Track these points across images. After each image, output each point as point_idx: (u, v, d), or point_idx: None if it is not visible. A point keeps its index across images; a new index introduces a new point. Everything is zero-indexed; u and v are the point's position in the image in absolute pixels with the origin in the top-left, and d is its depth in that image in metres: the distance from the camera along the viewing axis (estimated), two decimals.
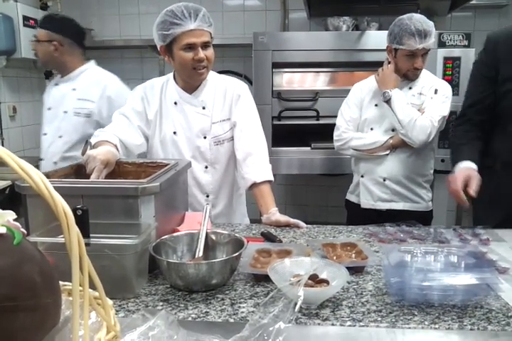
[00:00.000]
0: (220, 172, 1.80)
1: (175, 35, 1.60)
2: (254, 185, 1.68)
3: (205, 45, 1.63)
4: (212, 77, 1.79)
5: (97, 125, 2.20)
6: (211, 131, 1.75)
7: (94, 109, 2.25)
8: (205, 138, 1.75)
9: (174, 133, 1.76)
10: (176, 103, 1.76)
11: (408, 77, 2.04)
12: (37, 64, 3.30)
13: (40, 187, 0.58)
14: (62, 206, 0.58)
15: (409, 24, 1.91)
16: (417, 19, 1.93)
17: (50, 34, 2.25)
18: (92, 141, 1.60)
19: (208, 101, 1.76)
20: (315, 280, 1.02)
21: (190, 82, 1.74)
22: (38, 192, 0.58)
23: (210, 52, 1.66)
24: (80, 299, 0.63)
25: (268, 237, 1.46)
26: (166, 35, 1.62)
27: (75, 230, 0.58)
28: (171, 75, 1.81)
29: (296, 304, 0.66)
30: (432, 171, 2.17)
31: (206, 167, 1.78)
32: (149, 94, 1.79)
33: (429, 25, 1.93)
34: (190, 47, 1.61)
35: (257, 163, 1.71)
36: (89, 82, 2.31)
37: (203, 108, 1.75)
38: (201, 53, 1.62)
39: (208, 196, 1.80)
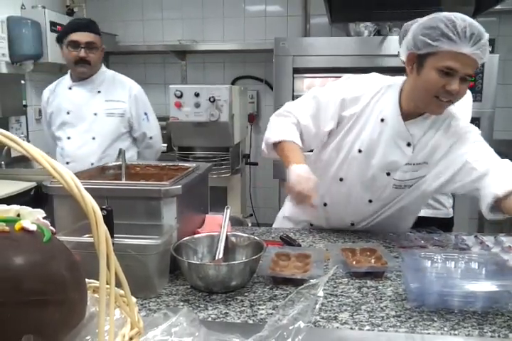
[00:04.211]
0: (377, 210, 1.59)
1: (439, 49, 1.27)
2: None
3: (461, 78, 1.28)
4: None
5: (127, 124, 2.38)
6: (404, 173, 1.48)
7: (127, 109, 2.36)
8: (388, 175, 1.48)
9: (359, 151, 1.49)
10: (382, 120, 1.45)
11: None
12: (63, 68, 3.38)
13: (71, 186, 0.61)
14: (92, 205, 0.61)
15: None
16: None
17: (99, 38, 2.31)
18: (274, 136, 1.49)
19: (416, 139, 1.45)
20: None
21: (424, 110, 1.42)
22: (68, 191, 0.61)
23: (464, 87, 1.31)
24: (105, 296, 0.65)
25: (287, 241, 1.47)
26: (428, 45, 1.28)
27: (104, 228, 0.60)
28: (398, 86, 1.47)
29: (316, 304, 0.67)
30: None
31: (370, 201, 1.55)
32: (362, 96, 1.49)
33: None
34: (448, 72, 1.27)
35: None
36: (113, 83, 2.38)
37: (408, 145, 1.45)
38: (456, 85, 1.28)
39: (352, 224, 1.62)
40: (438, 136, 1.44)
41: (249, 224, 2.19)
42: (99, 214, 0.61)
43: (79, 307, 0.72)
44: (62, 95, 2.38)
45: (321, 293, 0.70)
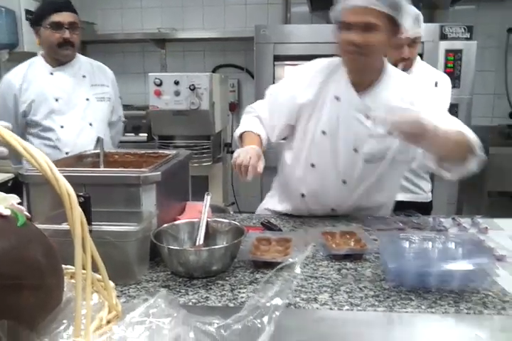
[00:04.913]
0: (355, 190, 1.59)
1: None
2: None
3: (364, 29, 1.36)
4: (396, 76, 1.54)
5: (112, 108, 2.33)
6: (367, 145, 1.50)
7: (111, 93, 2.33)
8: (355, 151, 1.51)
9: (323, 132, 1.52)
10: (337, 98, 1.50)
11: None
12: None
13: (45, 169, 0.60)
14: (66, 187, 0.60)
15: None
16: None
17: (78, 18, 2.18)
18: (240, 130, 1.63)
19: (374, 109, 1.47)
20: None
21: (348, 68, 1.49)
22: (42, 173, 0.60)
23: (367, 36, 1.36)
24: (82, 280, 0.65)
25: (268, 226, 1.47)
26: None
27: (78, 211, 0.59)
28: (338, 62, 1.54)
29: (293, 281, 0.68)
30: None
31: (344, 182, 1.56)
32: (311, 78, 1.56)
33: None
34: (344, 27, 1.37)
35: None
36: (91, 68, 2.30)
37: (366, 117, 1.48)
38: (352, 36, 1.36)
39: (333, 209, 1.63)
40: (393, 104, 1.46)
41: (231, 212, 2.19)
42: (74, 196, 0.60)
43: (55, 292, 0.71)
44: (42, 81, 2.21)
45: (298, 271, 0.71)
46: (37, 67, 2.25)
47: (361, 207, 1.61)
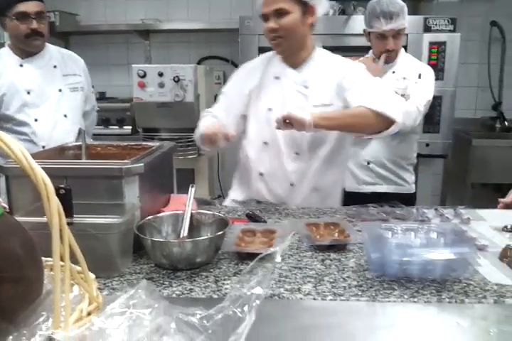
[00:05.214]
0: (311, 163, 1.68)
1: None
2: None
3: (278, 13, 1.53)
4: (321, 55, 1.68)
5: (85, 98, 2.27)
6: None
7: (84, 82, 2.26)
8: None
9: (269, 109, 1.66)
10: (277, 78, 1.67)
11: (386, 60, 2.05)
12: None
13: (20, 158, 0.58)
14: (42, 177, 0.59)
15: (376, 6, 1.95)
16: (384, 1, 1.95)
17: (45, 7, 2.09)
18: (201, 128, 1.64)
19: (310, 80, 1.64)
20: None
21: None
22: (17, 163, 0.59)
23: (282, 21, 1.54)
24: (62, 272, 0.64)
25: (253, 218, 1.47)
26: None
27: (55, 200, 0.58)
28: (273, 52, 1.71)
29: (273, 270, 0.67)
30: (415, 154, 2.20)
31: (297, 153, 1.66)
32: (249, 73, 1.74)
33: (395, 6, 1.96)
34: (265, 18, 1.56)
35: None
36: (62, 57, 2.23)
37: (305, 87, 1.64)
38: (268, 24, 1.55)
39: (292, 185, 1.69)
40: (328, 77, 1.63)
41: (218, 205, 2.18)
42: (50, 186, 0.59)
43: (35, 284, 0.70)
44: (11, 74, 2.12)
45: (278, 259, 0.71)
46: (5, 59, 2.16)
47: (318, 186, 1.70)
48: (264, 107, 1.67)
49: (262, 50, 2.85)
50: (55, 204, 0.58)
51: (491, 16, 3.37)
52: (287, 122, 1.47)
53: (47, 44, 2.22)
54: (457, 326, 0.87)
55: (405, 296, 0.98)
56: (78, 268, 0.71)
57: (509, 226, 1.37)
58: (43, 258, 0.76)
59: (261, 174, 1.71)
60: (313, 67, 1.65)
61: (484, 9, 3.39)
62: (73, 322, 0.62)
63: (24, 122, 2.14)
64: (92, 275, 0.73)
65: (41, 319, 0.63)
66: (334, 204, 1.73)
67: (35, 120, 2.15)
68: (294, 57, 1.65)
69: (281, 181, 1.69)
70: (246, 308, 0.63)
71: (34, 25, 2.04)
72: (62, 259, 0.63)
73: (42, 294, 0.71)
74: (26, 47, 2.13)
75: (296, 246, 1.26)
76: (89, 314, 0.67)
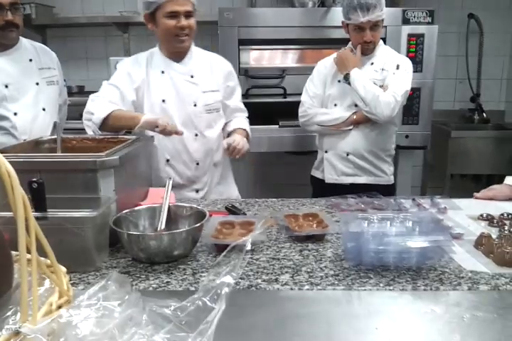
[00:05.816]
0: (209, 141, 1.90)
1: (159, 3, 1.72)
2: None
3: (187, 15, 1.74)
4: (198, 51, 1.93)
5: (60, 91, 2.24)
6: (202, 99, 1.85)
7: (58, 75, 2.23)
8: (195, 105, 1.85)
9: (163, 101, 1.83)
10: (163, 72, 1.84)
11: (363, 51, 2.06)
12: None
13: None
14: (6, 167, 0.57)
15: None
16: None
17: None
18: (104, 111, 1.72)
19: (195, 70, 1.86)
20: None
21: (174, 49, 1.84)
22: None
23: (192, 21, 1.78)
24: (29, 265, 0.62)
25: (232, 211, 1.47)
26: (150, 4, 1.74)
27: (20, 190, 0.57)
28: (156, 48, 1.90)
29: (244, 258, 0.67)
30: (393, 146, 2.21)
31: (196, 135, 1.86)
32: (134, 66, 1.87)
33: None
34: (174, 15, 1.72)
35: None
36: (35, 50, 2.18)
37: (192, 76, 1.85)
38: (183, 21, 1.73)
39: (197, 163, 1.88)
40: (212, 69, 1.90)
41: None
42: (15, 176, 0.58)
43: (3, 278, 0.69)
44: None
45: (248, 247, 0.70)
46: None
47: (218, 163, 1.94)
48: (157, 99, 1.83)
49: (242, 42, 2.84)
50: (19, 195, 0.56)
51: (468, 9, 3.40)
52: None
53: (20, 37, 2.17)
54: (431, 313, 0.88)
55: (381, 284, 0.98)
56: (48, 261, 0.70)
57: (485, 215, 1.39)
58: (14, 252, 0.75)
59: (168, 160, 1.87)
60: (195, 59, 1.88)
61: (462, 1, 3.42)
62: (42, 316, 0.61)
63: (4, 116, 2.10)
64: (63, 269, 0.72)
65: (9, 313, 0.62)
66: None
67: (15, 114, 2.10)
68: (178, 52, 1.85)
69: (185, 162, 1.87)
70: (215, 297, 0.63)
71: (9, 16, 1.98)
72: (29, 252, 0.62)
73: (11, 288, 0.70)
74: (1, 40, 2.07)
75: (274, 237, 1.27)
76: (59, 307, 0.66)
